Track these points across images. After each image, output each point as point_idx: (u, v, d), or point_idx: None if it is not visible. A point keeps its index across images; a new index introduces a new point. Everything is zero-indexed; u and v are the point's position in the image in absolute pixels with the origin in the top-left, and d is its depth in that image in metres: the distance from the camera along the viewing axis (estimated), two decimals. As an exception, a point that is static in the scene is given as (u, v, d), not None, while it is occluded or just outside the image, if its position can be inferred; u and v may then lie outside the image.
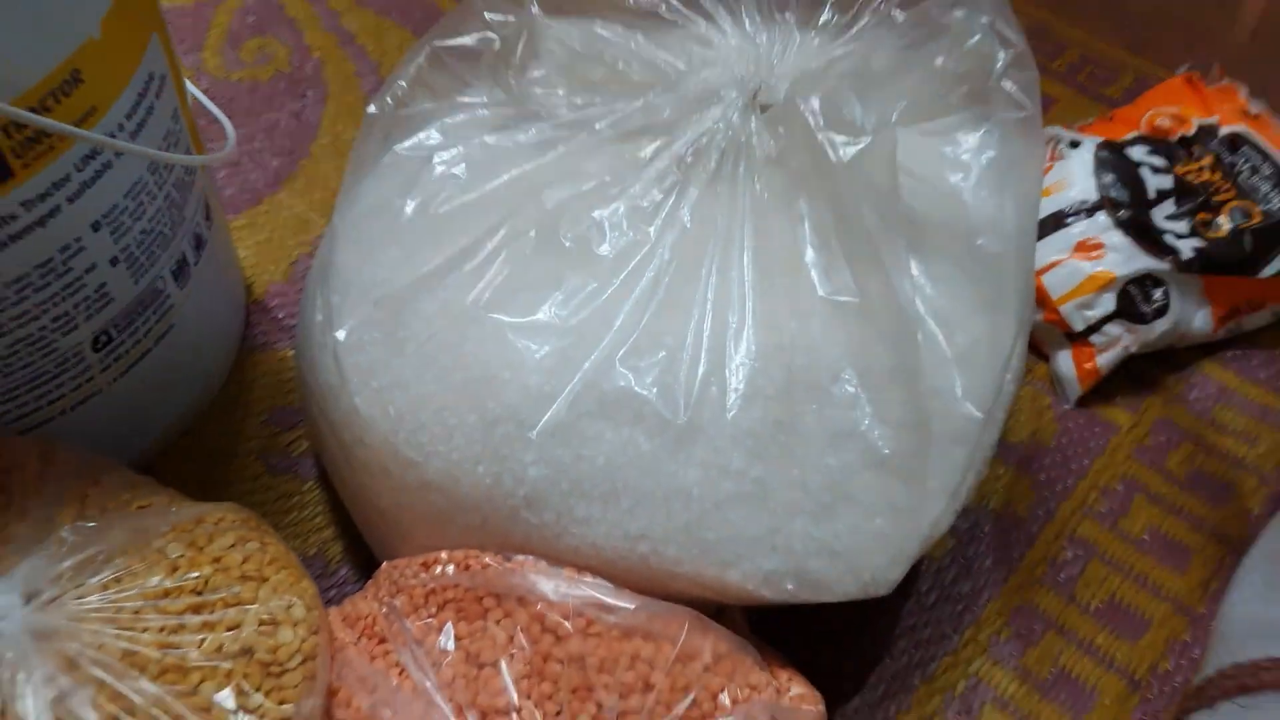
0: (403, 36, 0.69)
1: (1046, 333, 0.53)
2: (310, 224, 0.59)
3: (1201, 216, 0.53)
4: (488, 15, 0.46)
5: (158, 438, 0.48)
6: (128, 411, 0.45)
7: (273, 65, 0.67)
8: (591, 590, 0.36)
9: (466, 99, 0.45)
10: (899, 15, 0.42)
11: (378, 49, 0.68)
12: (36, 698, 0.30)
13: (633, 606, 0.36)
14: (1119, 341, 0.52)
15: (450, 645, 0.36)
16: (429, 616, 0.37)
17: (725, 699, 0.35)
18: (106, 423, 0.44)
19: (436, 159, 0.42)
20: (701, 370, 0.37)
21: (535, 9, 0.46)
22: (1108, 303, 0.51)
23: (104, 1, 0.36)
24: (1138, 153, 0.55)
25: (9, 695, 0.30)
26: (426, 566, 0.38)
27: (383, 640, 0.37)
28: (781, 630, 0.41)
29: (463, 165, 0.42)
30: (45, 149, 0.35)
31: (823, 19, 0.43)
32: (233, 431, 0.50)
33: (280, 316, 0.54)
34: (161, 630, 0.33)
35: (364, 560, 0.46)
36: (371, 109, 0.44)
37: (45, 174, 0.35)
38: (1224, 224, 0.53)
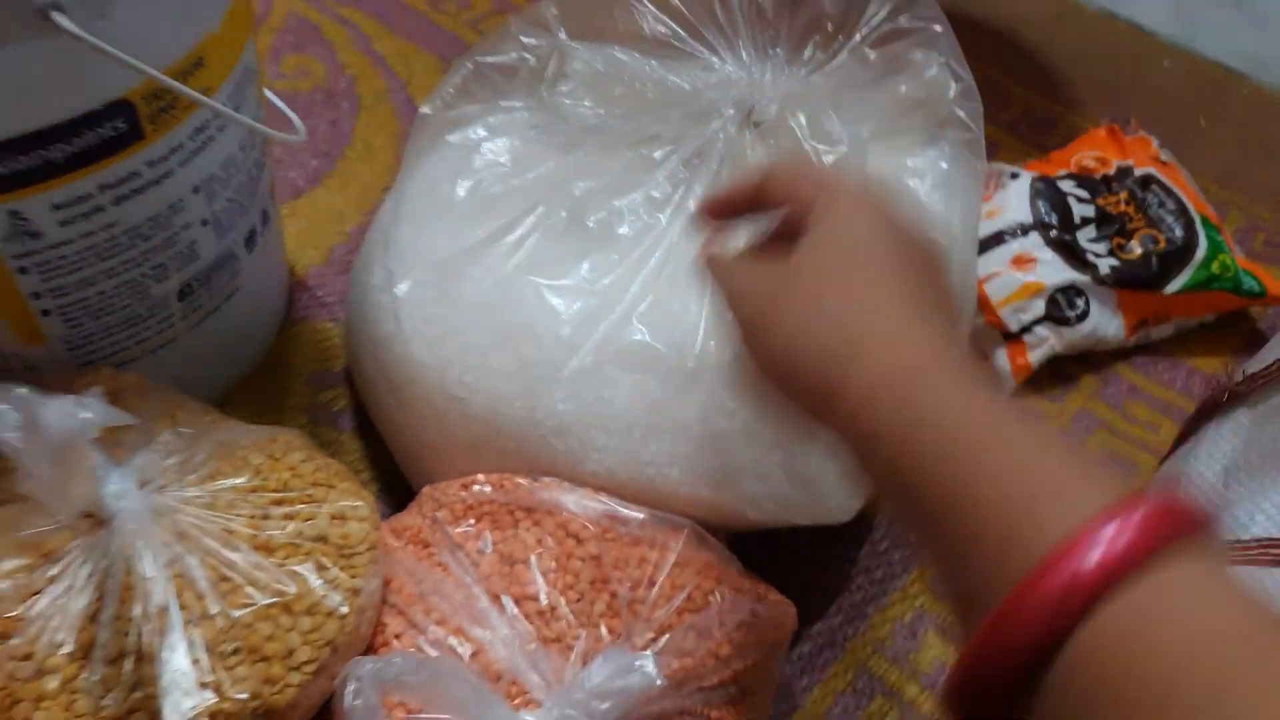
0: (428, 60, 0.77)
1: (986, 333, 0.62)
2: (345, 216, 0.66)
3: (1117, 240, 0.62)
4: (523, 38, 0.55)
5: (217, 388, 0.54)
6: (196, 360, 0.51)
7: (311, 80, 0.74)
8: (608, 504, 0.44)
9: (506, 104, 0.53)
10: (870, 53, 0.51)
11: (405, 70, 0.76)
12: (155, 559, 0.37)
13: (642, 517, 0.43)
14: (1047, 341, 0.60)
15: (487, 548, 0.43)
16: (467, 526, 0.44)
17: (715, 596, 0.42)
18: (178, 368, 0.50)
19: (482, 150, 0.50)
20: (703, 330, 0.45)
21: (563, 35, 0.55)
22: (1038, 307, 0.60)
23: (225, 2, 0.43)
24: (1067, 186, 0.64)
25: (131, 557, 0.37)
26: (465, 486, 0.45)
27: (427, 545, 0.44)
28: (756, 569, 0.48)
29: (505, 156, 0.50)
30: (170, 118, 0.42)
31: (807, 54, 0.52)
32: (279, 388, 0.57)
33: (320, 295, 0.61)
34: (252, 517, 0.39)
35: (397, 501, 0.52)
36: (425, 109, 0.52)
37: (166, 139, 0.42)
38: (1136, 248, 0.62)
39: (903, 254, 0.33)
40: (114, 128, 0.39)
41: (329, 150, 0.70)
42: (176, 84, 0.38)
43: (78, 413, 0.32)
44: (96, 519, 0.37)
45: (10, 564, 0.36)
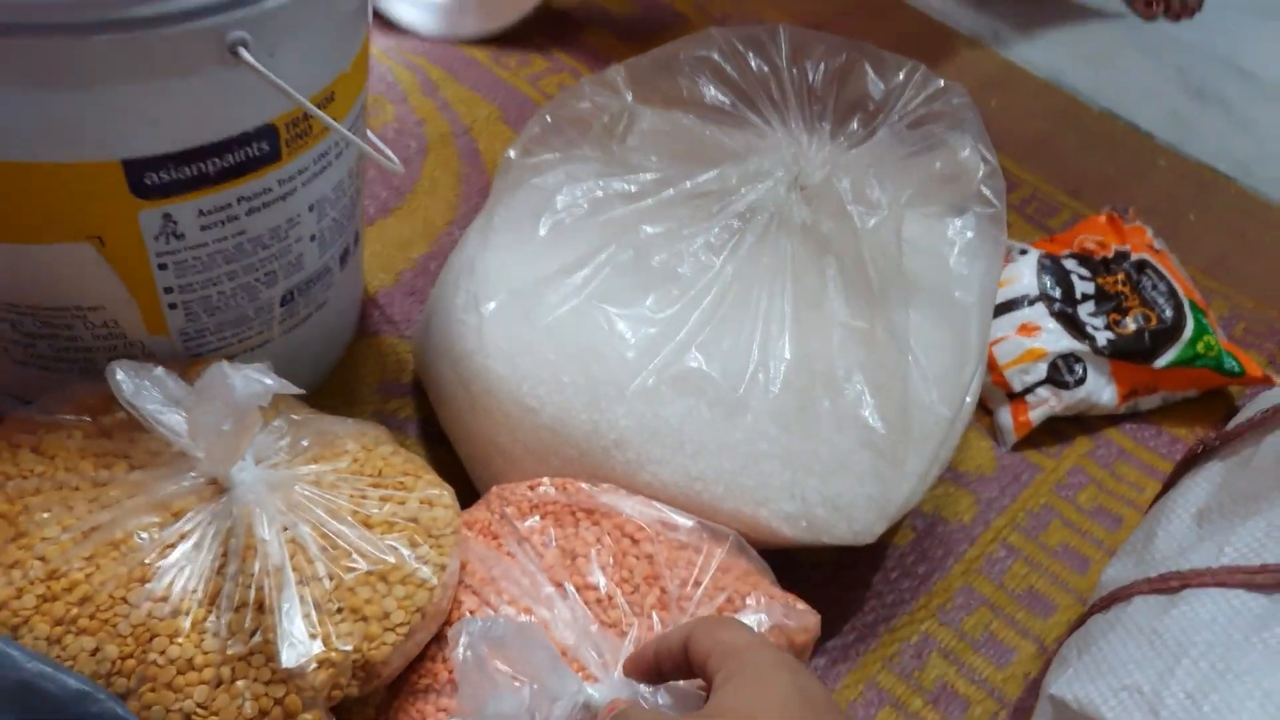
0: (490, 109, 0.83)
1: (992, 392, 0.68)
2: (413, 244, 0.72)
3: (1114, 316, 0.69)
4: (595, 98, 0.61)
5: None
6: (284, 362, 0.56)
7: (382, 118, 0.80)
8: (661, 511, 0.49)
9: (581, 153, 0.59)
10: (907, 132, 0.57)
11: (469, 115, 0.82)
12: (271, 526, 0.41)
13: (690, 524, 0.48)
14: (1046, 402, 0.66)
15: (550, 543, 0.48)
16: (533, 522, 0.49)
17: (751, 600, 0.47)
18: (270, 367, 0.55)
19: (562, 193, 0.56)
20: (752, 363, 0.51)
21: (630, 97, 0.61)
22: (1040, 371, 0.66)
23: (356, 46, 0.49)
24: (1070, 264, 0.71)
25: (250, 522, 0.41)
26: (532, 487, 0.50)
27: (496, 537, 0.48)
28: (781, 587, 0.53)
29: (582, 200, 0.56)
30: (302, 144, 0.48)
31: (850, 129, 0.59)
32: (351, 395, 0.62)
33: (389, 313, 0.67)
34: (351, 496, 0.44)
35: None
36: (511, 154, 0.58)
37: (296, 162, 0.48)
38: (1130, 324, 0.68)
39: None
40: (259, 148, 0.45)
41: (399, 185, 0.76)
42: (320, 113, 0.44)
43: (262, 379, 0.37)
44: (220, 486, 0.42)
45: (146, 519, 0.41)
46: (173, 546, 0.40)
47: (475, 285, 0.54)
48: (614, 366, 0.50)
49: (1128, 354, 0.67)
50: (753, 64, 0.60)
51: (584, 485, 0.49)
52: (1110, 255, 0.73)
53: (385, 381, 0.63)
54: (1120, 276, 0.71)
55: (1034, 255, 0.71)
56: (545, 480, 0.50)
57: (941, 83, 0.58)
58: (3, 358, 0.49)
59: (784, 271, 0.54)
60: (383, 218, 0.73)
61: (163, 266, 0.47)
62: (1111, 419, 0.69)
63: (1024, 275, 0.70)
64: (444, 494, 0.47)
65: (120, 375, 0.42)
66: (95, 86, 0.38)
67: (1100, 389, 0.67)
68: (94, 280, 0.46)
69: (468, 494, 0.54)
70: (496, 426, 0.52)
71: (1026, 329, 0.68)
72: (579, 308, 0.52)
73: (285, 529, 0.42)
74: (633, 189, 0.57)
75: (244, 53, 0.40)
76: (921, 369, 0.52)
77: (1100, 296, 0.70)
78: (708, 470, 0.49)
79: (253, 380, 0.37)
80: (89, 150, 0.40)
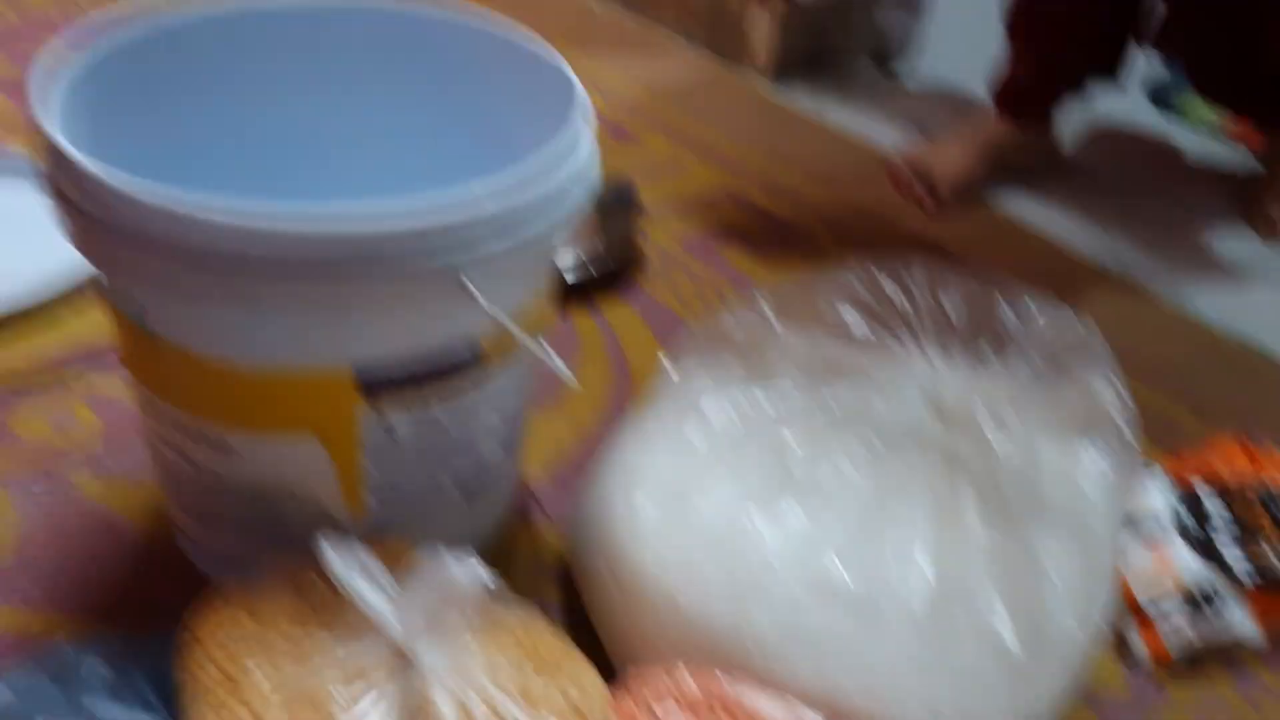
0: (637, 321, 0.92)
1: (1122, 617, 0.68)
2: (562, 441, 0.78)
3: (1253, 548, 0.69)
4: (742, 318, 0.68)
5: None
6: (455, 544, 0.62)
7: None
8: (797, 712, 0.51)
9: (729, 367, 0.65)
10: (1036, 357, 0.61)
11: (619, 325, 0.91)
12: (446, 695, 0.46)
13: (826, 728, 0.50)
14: (1182, 632, 0.66)
15: (689, 733, 0.50)
16: (671, 708, 0.51)
17: (886, 811, 0.48)
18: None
19: (712, 403, 0.61)
20: (890, 575, 0.54)
21: (772, 316, 0.67)
22: (1174, 599, 0.66)
23: (545, 273, 0.57)
24: (1203, 491, 0.72)
25: (427, 691, 0.46)
26: (670, 675, 0.53)
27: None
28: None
29: (731, 411, 0.61)
30: (498, 355, 0.55)
31: (984, 356, 0.63)
32: (505, 577, 0.66)
33: (541, 503, 0.72)
34: (514, 672, 0.48)
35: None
36: (666, 365, 0.65)
37: (490, 370, 0.55)
38: (1272, 557, 0.68)
39: None
40: (464, 358, 0.53)
41: (552, 387, 0.83)
42: (520, 332, 0.52)
43: (481, 574, 0.43)
44: (404, 655, 0.47)
45: (333, 673, 0.46)
46: (360, 706, 0.45)
47: (630, 484, 0.59)
48: (756, 568, 0.54)
49: (1270, 586, 0.67)
50: (890, 292, 0.66)
51: (721, 677, 0.52)
52: (1247, 482, 0.73)
53: (536, 565, 0.68)
54: (1258, 506, 0.71)
55: (1162, 476, 0.73)
56: (683, 669, 0.53)
57: (1072, 313, 0.63)
58: (223, 529, 0.57)
59: (921, 488, 0.57)
60: (537, 414, 0.80)
61: (369, 457, 0.54)
62: (1257, 653, 0.68)
63: (1153, 495, 0.71)
64: (594, 676, 0.50)
65: (329, 551, 0.48)
66: (346, 310, 0.46)
67: (1239, 622, 0.67)
68: (311, 467, 0.53)
69: (608, 677, 0.57)
70: (642, 616, 0.56)
71: (1160, 555, 0.68)
72: (725, 511, 0.56)
73: (458, 698, 0.46)
74: (777, 402, 0.62)
75: (468, 284, 0.47)
76: (1055, 589, 0.54)
77: (1236, 525, 0.70)
78: (843, 675, 0.52)
79: (473, 574, 0.43)
80: (331, 358, 0.48)
